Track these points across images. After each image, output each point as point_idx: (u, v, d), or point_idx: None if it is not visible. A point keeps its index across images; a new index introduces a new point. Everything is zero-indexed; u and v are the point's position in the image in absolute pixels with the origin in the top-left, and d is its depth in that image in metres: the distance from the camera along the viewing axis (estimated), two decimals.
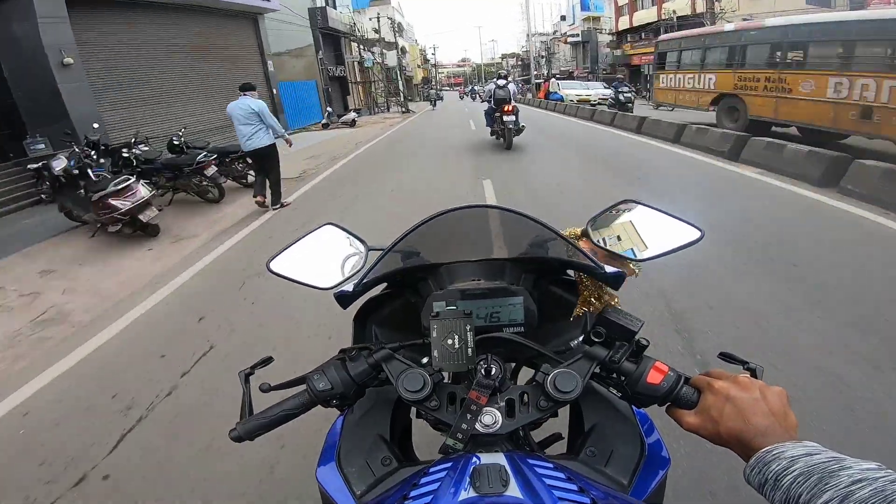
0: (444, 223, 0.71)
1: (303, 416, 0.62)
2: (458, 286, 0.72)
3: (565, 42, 42.00)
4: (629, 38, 30.52)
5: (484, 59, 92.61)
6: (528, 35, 45.21)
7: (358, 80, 27.41)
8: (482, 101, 11.49)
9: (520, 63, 62.65)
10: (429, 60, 59.27)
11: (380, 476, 0.62)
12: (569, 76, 35.72)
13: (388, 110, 30.26)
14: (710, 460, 1.56)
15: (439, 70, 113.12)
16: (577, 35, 37.78)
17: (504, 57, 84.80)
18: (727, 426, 0.50)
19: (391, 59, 34.20)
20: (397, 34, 34.74)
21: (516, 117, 8.72)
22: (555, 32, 47.34)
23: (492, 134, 9.71)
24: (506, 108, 8.64)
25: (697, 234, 0.72)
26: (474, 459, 0.52)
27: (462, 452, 0.55)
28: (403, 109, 28.06)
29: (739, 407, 0.50)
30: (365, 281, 0.71)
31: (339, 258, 0.82)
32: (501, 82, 8.96)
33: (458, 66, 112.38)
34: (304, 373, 0.63)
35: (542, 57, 47.15)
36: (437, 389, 0.59)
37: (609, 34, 34.11)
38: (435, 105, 31.54)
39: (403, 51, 36.19)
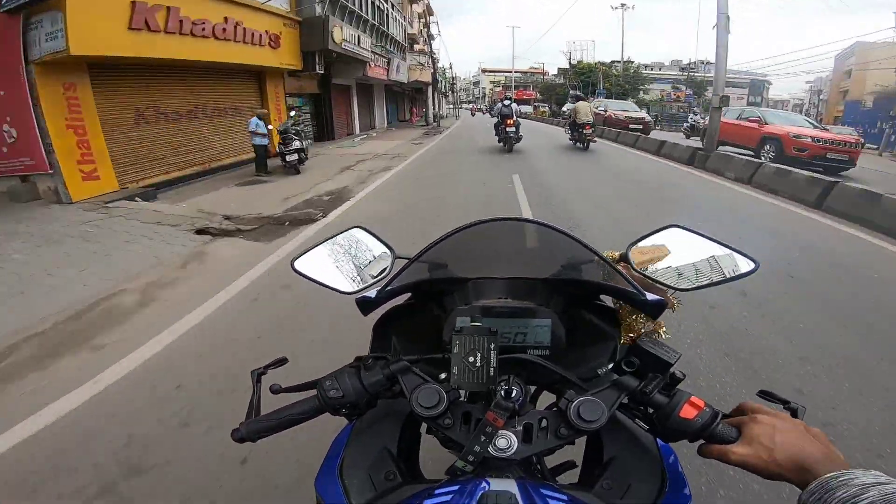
0: (475, 234, 0.69)
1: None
2: (484, 303, 0.71)
3: None
4: None
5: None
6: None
7: None
8: (492, 117, 13.28)
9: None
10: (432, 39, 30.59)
11: (381, 491, 0.60)
12: None
13: None
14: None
15: (490, 75, 75.75)
16: None
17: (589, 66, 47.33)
18: (785, 452, 0.49)
19: None
20: None
21: (517, 129, 11.61)
22: None
23: (499, 141, 12.23)
24: (508, 122, 11.60)
25: (751, 265, 0.67)
26: (483, 485, 0.51)
27: (470, 475, 0.54)
28: None
29: (791, 438, 0.50)
30: (389, 289, 0.71)
31: (365, 263, 0.82)
32: (507, 102, 12.01)
33: (529, 72, 74.23)
34: (317, 377, 0.62)
35: None
36: (452, 407, 0.58)
37: None
38: None
39: None
